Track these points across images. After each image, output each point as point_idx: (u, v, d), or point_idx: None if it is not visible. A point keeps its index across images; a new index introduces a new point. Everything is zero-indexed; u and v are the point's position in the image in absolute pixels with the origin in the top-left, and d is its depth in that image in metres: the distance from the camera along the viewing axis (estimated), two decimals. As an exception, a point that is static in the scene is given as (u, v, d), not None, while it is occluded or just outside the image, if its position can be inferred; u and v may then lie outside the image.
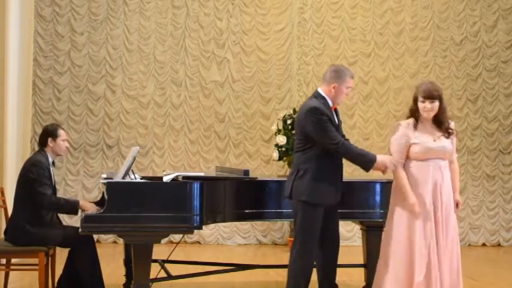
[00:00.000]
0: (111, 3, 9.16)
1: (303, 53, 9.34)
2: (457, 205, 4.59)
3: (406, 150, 4.50)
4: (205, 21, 9.29)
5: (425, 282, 4.37)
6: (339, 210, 4.83)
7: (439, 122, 4.52)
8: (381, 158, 4.57)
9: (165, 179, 4.80)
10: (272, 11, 9.36)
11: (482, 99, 9.49)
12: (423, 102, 4.47)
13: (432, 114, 4.49)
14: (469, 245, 9.29)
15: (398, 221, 4.49)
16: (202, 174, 5.33)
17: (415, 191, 4.44)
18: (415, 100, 4.52)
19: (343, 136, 4.77)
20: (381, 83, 9.41)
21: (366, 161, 4.57)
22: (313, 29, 9.37)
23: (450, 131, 4.54)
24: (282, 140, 8.43)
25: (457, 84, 9.47)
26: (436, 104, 4.47)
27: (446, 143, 4.51)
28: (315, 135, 4.56)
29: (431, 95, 4.45)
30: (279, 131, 8.57)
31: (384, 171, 4.56)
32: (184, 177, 4.81)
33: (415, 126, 4.52)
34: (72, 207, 5.15)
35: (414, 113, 4.54)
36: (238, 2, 9.32)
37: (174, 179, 4.79)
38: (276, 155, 8.52)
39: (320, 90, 4.70)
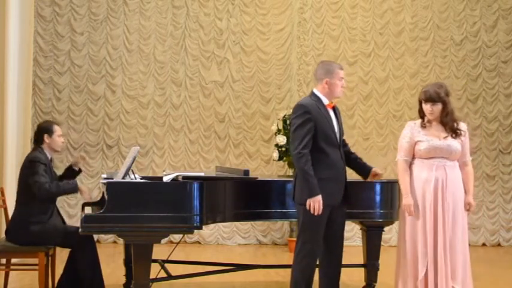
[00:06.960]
0: (111, 3, 9.16)
1: (303, 53, 9.33)
2: (469, 207, 4.70)
3: (411, 149, 4.60)
4: (205, 21, 9.29)
5: (424, 280, 4.46)
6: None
7: (444, 124, 4.58)
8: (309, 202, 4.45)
9: (165, 179, 4.80)
10: (272, 11, 9.35)
11: (482, 99, 9.49)
12: (425, 104, 4.57)
13: (433, 116, 4.57)
14: (469, 245, 9.18)
15: (405, 220, 4.60)
16: (202, 174, 5.32)
17: (418, 188, 4.52)
18: (420, 101, 4.62)
19: (342, 136, 4.74)
20: (381, 83, 9.41)
21: (305, 188, 4.45)
22: (313, 29, 9.37)
23: (458, 131, 4.58)
24: (282, 140, 8.43)
25: (457, 84, 9.46)
26: (438, 106, 4.54)
27: (453, 142, 4.56)
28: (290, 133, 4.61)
29: (431, 98, 4.54)
30: (279, 131, 8.57)
31: None
32: (184, 177, 4.81)
33: (423, 126, 4.61)
34: (71, 186, 5.21)
35: (420, 114, 4.66)
36: (238, 2, 9.31)
37: (174, 179, 4.79)
38: (276, 155, 8.53)
39: (314, 90, 4.71)
